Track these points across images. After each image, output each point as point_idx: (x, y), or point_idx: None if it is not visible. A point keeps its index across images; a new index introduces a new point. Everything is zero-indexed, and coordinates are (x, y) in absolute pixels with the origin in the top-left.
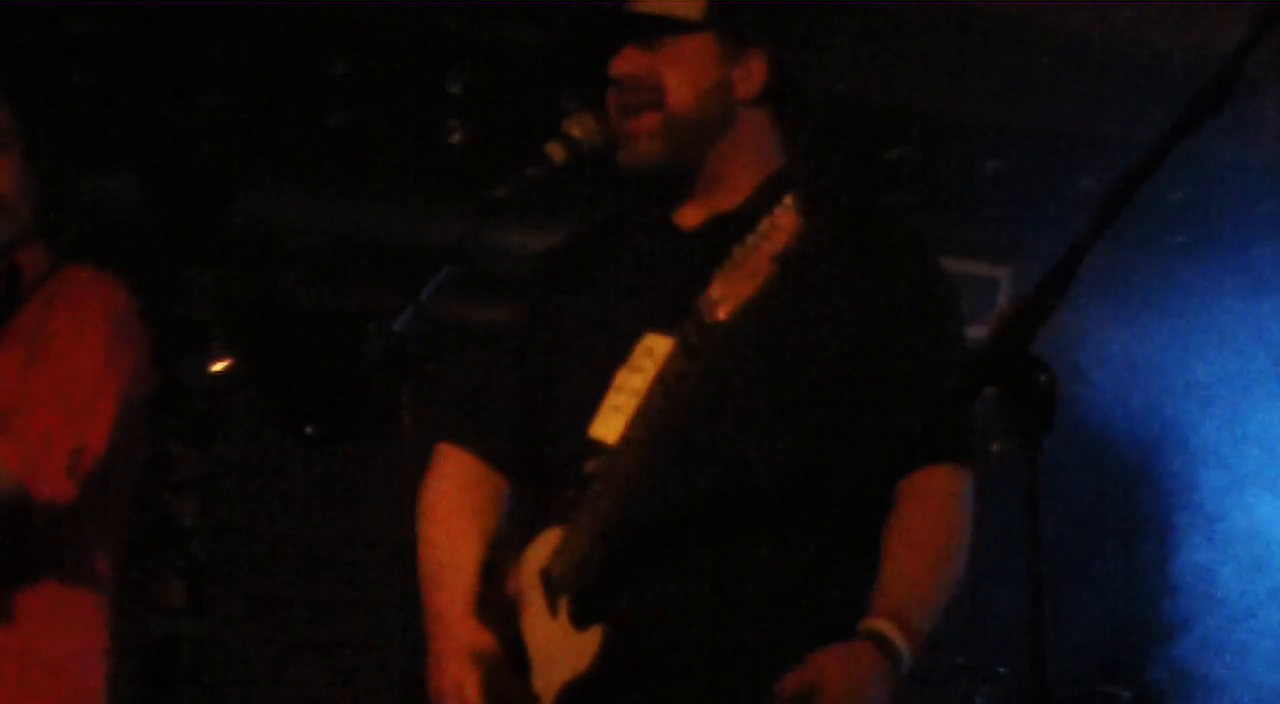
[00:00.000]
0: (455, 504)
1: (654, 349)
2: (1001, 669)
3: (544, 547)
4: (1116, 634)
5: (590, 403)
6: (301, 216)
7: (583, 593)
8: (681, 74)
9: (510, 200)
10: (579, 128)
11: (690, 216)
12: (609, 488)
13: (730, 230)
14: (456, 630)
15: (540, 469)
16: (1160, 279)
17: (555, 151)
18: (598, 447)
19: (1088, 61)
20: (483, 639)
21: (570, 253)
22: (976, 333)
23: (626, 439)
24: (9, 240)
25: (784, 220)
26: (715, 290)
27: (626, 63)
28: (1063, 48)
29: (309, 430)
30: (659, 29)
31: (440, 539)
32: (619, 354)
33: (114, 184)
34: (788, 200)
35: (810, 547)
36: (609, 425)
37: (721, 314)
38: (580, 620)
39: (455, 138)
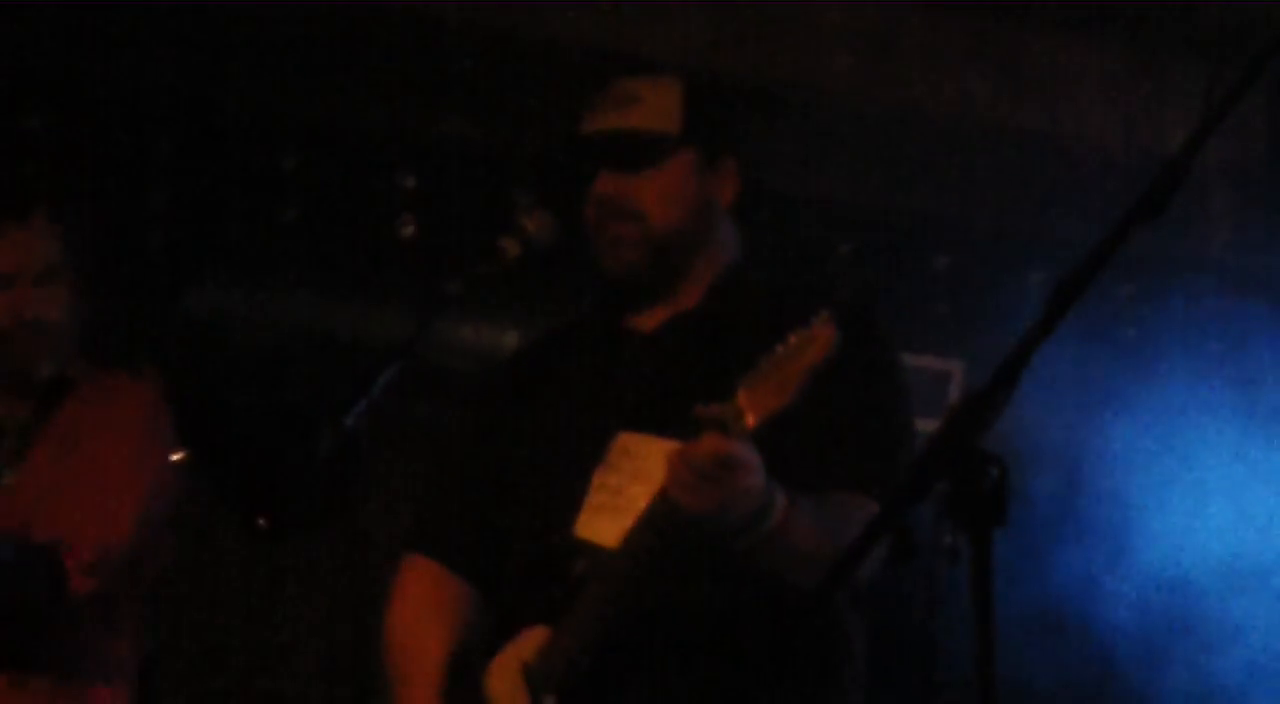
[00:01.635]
0: (421, 606)
1: (630, 448)
2: None
3: (526, 645)
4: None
5: (570, 502)
6: (253, 311)
7: (573, 694)
8: (664, 195)
9: (462, 295)
10: (533, 223)
11: (647, 318)
12: (607, 591)
13: (691, 329)
14: None
15: (514, 568)
16: (1111, 373)
17: (509, 246)
18: (586, 547)
19: (1037, 159)
20: None
21: (524, 360)
22: (929, 426)
23: (630, 544)
24: (59, 365)
25: (821, 334)
26: (742, 399)
27: (608, 185)
28: (1012, 145)
29: (261, 524)
30: (639, 152)
31: (405, 639)
32: (594, 453)
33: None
34: (825, 314)
35: (808, 666)
36: (595, 526)
37: (749, 423)
38: None
39: (407, 232)
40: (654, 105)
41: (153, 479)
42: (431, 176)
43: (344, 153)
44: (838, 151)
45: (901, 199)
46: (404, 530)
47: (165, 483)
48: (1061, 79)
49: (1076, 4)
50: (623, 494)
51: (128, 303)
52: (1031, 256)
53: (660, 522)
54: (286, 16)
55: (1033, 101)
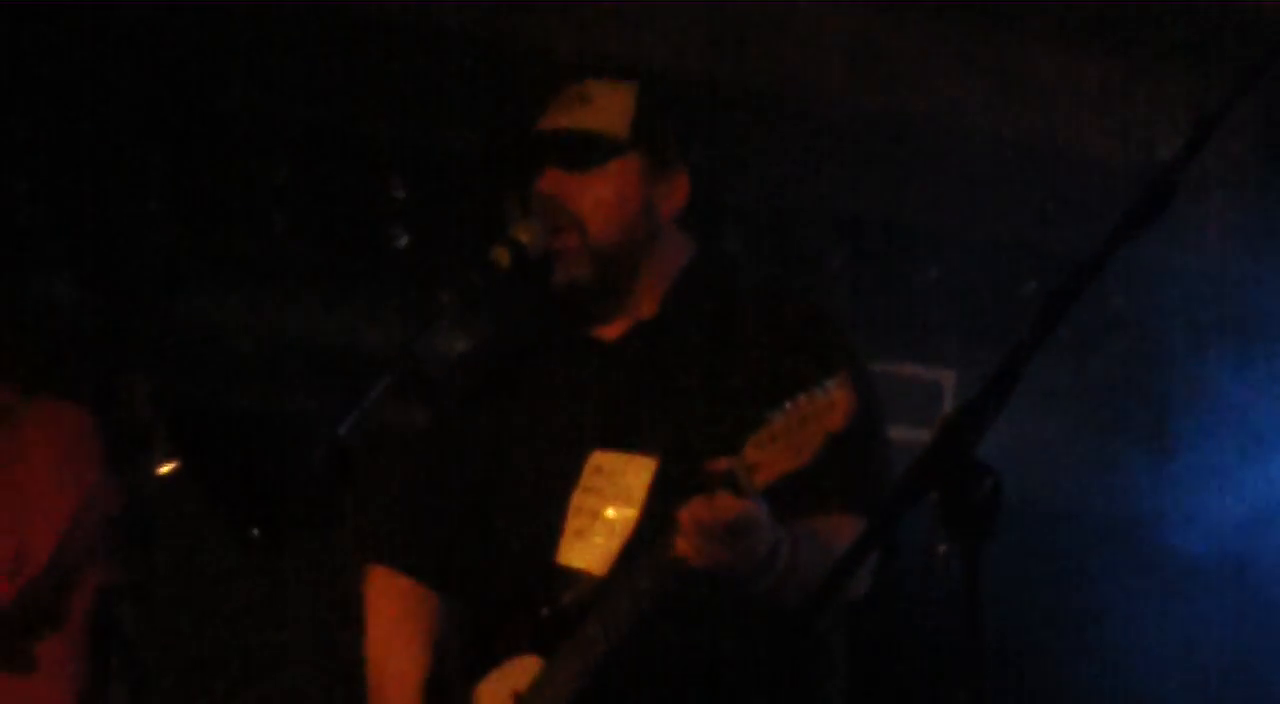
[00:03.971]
0: (393, 624)
1: (604, 467)
2: None
3: (516, 673)
4: None
5: (549, 527)
6: (246, 320)
7: None
8: (604, 200)
9: (454, 305)
10: (526, 233)
11: (610, 328)
12: (609, 631)
13: (652, 340)
14: None
15: (495, 593)
16: (1104, 384)
17: (501, 257)
18: (570, 575)
19: (1030, 168)
20: None
21: (489, 365)
22: (921, 437)
23: (634, 587)
24: None
25: (841, 400)
26: (750, 455)
27: (550, 184)
28: (1005, 154)
29: (252, 534)
30: (584, 152)
31: (382, 659)
32: (568, 474)
33: (56, 287)
34: (842, 375)
35: (794, 685)
36: (577, 552)
37: (761, 480)
38: None
39: (399, 242)
40: (604, 107)
41: (77, 502)
42: (424, 186)
43: (337, 162)
44: (831, 158)
45: (894, 208)
46: (366, 541)
47: (91, 507)
48: (1056, 87)
49: (1072, 11)
50: (600, 517)
51: (123, 310)
52: (1024, 267)
53: (669, 571)
54: (282, 23)
55: (1027, 110)
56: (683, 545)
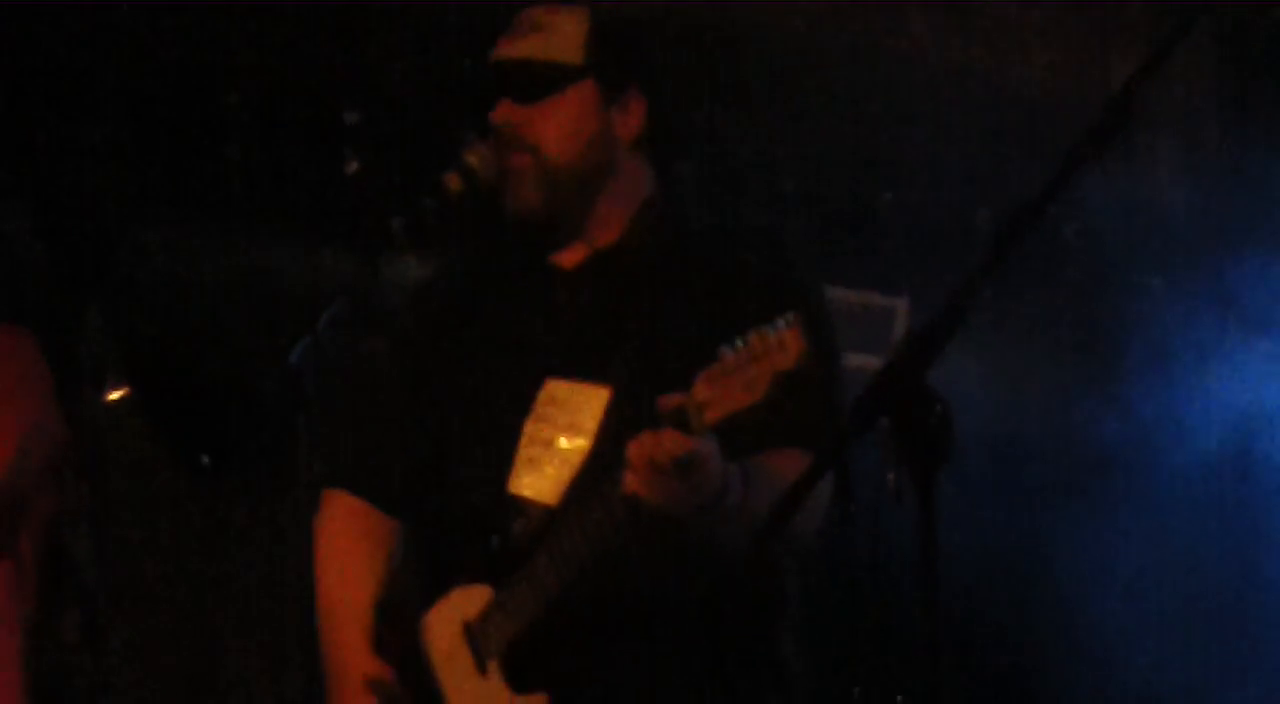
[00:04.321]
0: (346, 547)
1: (558, 396)
2: (899, 698)
3: (468, 602)
4: (1015, 663)
5: (500, 454)
6: (196, 248)
7: (524, 657)
8: (560, 125)
9: (406, 231)
10: (476, 158)
11: (568, 255)
12: (559, 570)
13: (610, 269)
14: (352, 666)
15: (447, 520)
16: (1055, 313)
17: (452, 182)
18: (522, 504)
19: (986, 98)
20: (379, 673)
21: (446, 291)
22: (873, 363)
23: (579, 510)
24: None
25: (791, 343)
26: (700, 392)
27: (505, 113)
28: (960, 84)
29: (204, 460)
30: (537, 82)
31: (334, 582)
32: (522, 402)
33: (4, 217)
34: (793, 317)
35: (745, 624)
36: (529, 481)
37: (710, 417)
38: (520, 684)
39: (351, 168)
40: (556, 34)
41: (22, 431)
42: (376, 113)
43: (287, 88)
44: (786, 89)
45: (847, 136)
46: (323, 467)
47: (40, 433)
48: (1011, 19)
49: None
50: (553, 446)
51: (73, 239)
52: (978, 195)
53: (618, 506)
54: None
55: (982, 41)
56: (631, 480)
